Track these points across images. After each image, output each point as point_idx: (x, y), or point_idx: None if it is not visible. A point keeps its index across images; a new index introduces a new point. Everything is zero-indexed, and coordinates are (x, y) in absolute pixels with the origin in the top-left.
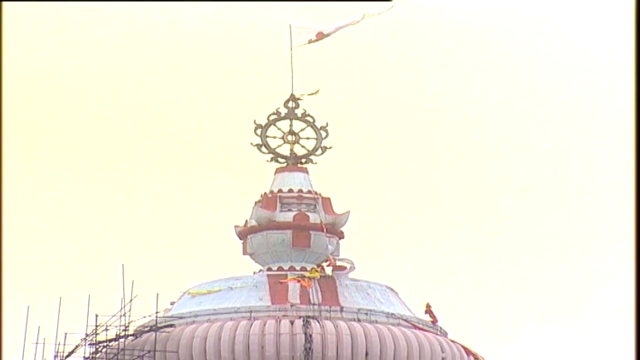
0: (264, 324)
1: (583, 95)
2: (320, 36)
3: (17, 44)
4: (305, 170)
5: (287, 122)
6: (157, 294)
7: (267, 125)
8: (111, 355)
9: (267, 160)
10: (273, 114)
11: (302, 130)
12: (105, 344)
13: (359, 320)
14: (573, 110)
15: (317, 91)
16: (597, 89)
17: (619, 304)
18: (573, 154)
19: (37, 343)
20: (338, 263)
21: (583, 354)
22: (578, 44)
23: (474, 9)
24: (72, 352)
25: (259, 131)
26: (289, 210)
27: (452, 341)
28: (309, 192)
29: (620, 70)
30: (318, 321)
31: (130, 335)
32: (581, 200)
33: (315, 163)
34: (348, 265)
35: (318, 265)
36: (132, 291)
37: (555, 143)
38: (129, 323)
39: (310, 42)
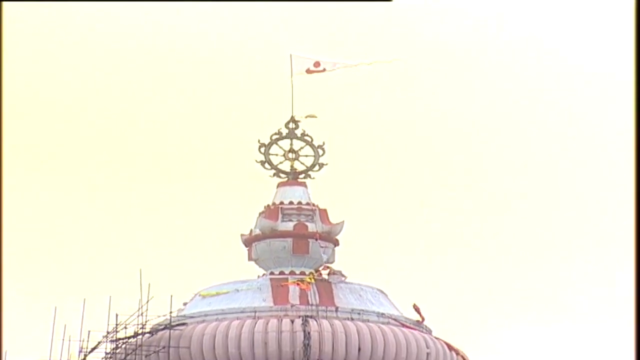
0: (267, 323)
1: (582, 92)
2: (318, 65)
3: (19, 45)
4: (304, 185)
5: (288, 141)
6: (171, 296)
7: (270, 144)
8: (129, 351)
9: (270, 176)
10: (275, 134)
11: (301, 148)
12: (124, 340)
13: (352, 320)
14: (570, 108)
15: (315, 115)
16: (597, 88)
17: (603, 302)
18: (559, 154)
19: (63, 340)
20: (331, 279)
21: (564, 352)
22: (576, 45)
23: (467, 27)
24: (95, 348)
25: (262, 149)
26: (290, 220)
27: (437, 338)
28: (308, 204)
29: (619, 73)
30: (316, 320)
31: (147, 332)
32: (566, 201)
33: (313, 178)
34: (339, 276)
35: (316, 271)
36: (148, 293)
37: (537, 147)
38: (145, 322)
39: (308, 71)
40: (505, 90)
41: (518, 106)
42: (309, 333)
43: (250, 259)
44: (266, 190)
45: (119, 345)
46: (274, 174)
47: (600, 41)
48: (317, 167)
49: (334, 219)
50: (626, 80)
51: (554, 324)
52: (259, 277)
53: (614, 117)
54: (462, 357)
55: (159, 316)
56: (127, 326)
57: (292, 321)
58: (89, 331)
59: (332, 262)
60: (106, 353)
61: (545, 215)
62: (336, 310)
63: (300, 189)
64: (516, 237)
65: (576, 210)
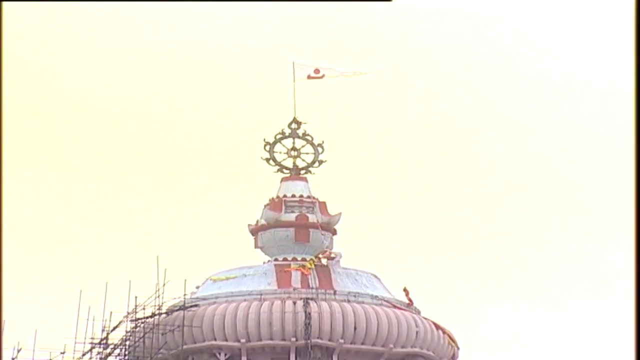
0: (272, 305)
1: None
2: (317, 72)
3: (22, 46)
4: (305, 180)
5: (290, 140)
6: (185, 280)
7: (274, 143)
8: (147, 330)
9: (274, 171)
10: (279, 133)
11: (302, 146)
12: (142, 320)
13: (349, 301)
14: (570, 106)
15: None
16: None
17: (584, 282)
18: (552, 144)
19: (87, 320)
20: (329, 264)
21: (543, 331)
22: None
23: (465, 29)
24: (116, 327)
25: (267, 148)
26: (292, 211)
27: (425, 318)
28: (308, 197)
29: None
30: (316, 302)
31: (163, 313)
32: (555, 184)
33: (313, 173)
34: (338, 256)
35: (316, 257)
36: (164, 277)
37: (529, 137)
38: (162, 303)
39: (309, 77)
40: (498, 85)
41: (512, 100)
42: (309, 314)
43: (256, 246)
44: (271, 184)
45: (138, 324)
46: (278, 170)
47: (598, 42)
48: (317, 164)
49: (332, 210)
50: (626, 80)
51: (536, 305)
52: (264, 263)
53: (612, 114)
54: (448, 335)
55: (174, 298)
56: (146, 307)
57: (294, 303)
58: (111, 312)
59: (330, 250)
60: (126, 332)
61: (531, 200)
62: (334, 293)
63: (301, 183)
64: (500, 225)
65: (564, 191)
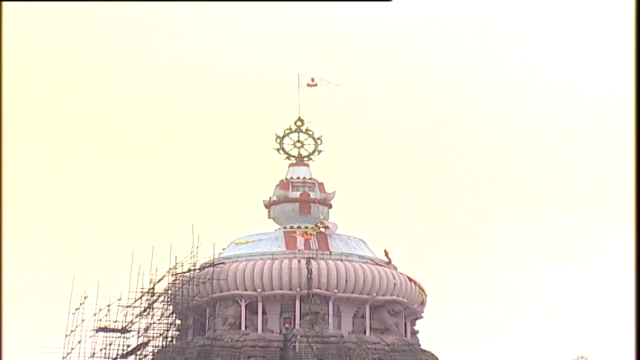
0: (281, 262)
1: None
2: (313, 81)
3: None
4: (307, 165)
5: (296, 134)
6: (214, 244)
7: (283, 137)
8: (185, 282)
9: (283, 159)
10: (287, 129)
11: (305, 139)
12: (181, 274)
13: (342, 260)
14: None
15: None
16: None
17: (537, 246)
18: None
19: (138, 274)
20: (326, 232)
21: (496, 287)
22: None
23: (460, 37)
24: (160, 280)
25: (277, 140)
26: (297, 190)
27: (401, 273)
28: (310, 179)
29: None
30: (315, 261)
31: (197, 269)
32: (517, 158)
33: (314, 160)
34: (333, 226)
35: (315, 226)
36: (198, 241)
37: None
38: (196, 262)
39: (308, 85)
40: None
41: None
42: (310, 270)
43: (269, 217)
44: (280, 169)
45: (177, 278)
46: (286, 158)
47: (595, 44)
48: (316, 153)
49: (328, 189)
50: (626, 78)
51: (491, 264)
52: (275, 230)
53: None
54: (419, 286)
55: (205, 258)
56: (183, 264)
57: (299, 261)
58: (157, 268)
59: (327, 220)
60: (168, 283)
61: (494, 174)
62: (330, 254)
63: (304, 168)
64: (459, 198)
65: (529, 163)
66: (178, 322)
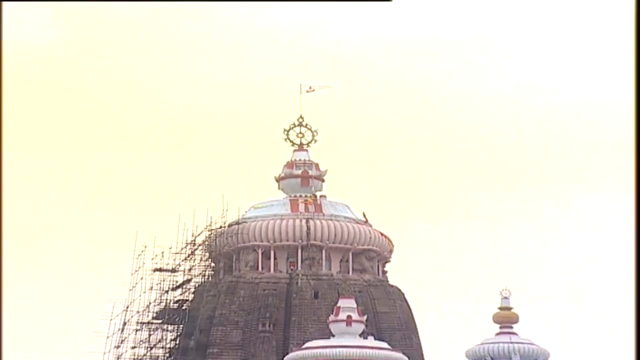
0: (287, 222)
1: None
2: (310, 88)
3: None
4: (307, 151)
5: (298, 128)
6: (238, 207)
7: (289, 129)
8: (218, 235)
9: (289, 146)
10: (292, 124)
11: (305, 132)
12: (214, 230)
13: (332, 220)
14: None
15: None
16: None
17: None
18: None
19: (184, 230)
20: (320, 200)
21: (455, 243)
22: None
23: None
24: (200, 234)
25: (285, 132)
26: (299, 169)
27: (375, 229)
28: (309, 161)
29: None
30: (312, 221)
31: (226, 226)
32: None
33: (311, 147)
34: (325, 197)
35: (312, 195)
36: (227, 206)
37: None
38: (225, 221)
39: (307, 91)
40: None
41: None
42: (309, 227)
43: (279, 188)
44: (287, 153)
45: (212, 233)
46: (291, 145)
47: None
48: (313, 142)
49: (322, 168)
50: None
51: (449, 222)
52: (283, 198)
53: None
54: (388, 239)
55: (232, 218)
56: (217, 222)
57: (300, 221)
58: (196, 225)
59: (321, 191)
60: (205, 236)
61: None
62: (323, 215)
63: (304, 153)
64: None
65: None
66: (212, 264)
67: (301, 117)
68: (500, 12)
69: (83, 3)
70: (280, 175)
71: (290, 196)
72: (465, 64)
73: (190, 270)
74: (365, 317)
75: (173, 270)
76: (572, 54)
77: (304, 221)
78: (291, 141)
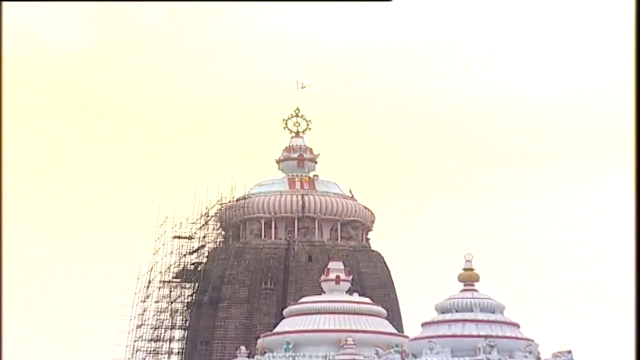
0: (286, 197)
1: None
2: (303, 85)
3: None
4: (302, 137)
5: (295, 118)
6: (245, 185)
7: (288, 119)
8: (227, 208)
9: (288, 133)
10: (290, 115)
11: (301, 121)
12: (225, 204)
13: (323, 196)
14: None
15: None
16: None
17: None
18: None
19: (199, 203)
20: (314, 179)
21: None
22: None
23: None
24: (212, 207)
25: (284, 122)
26: (296, 152)
27: (359, 203)
28: (304, 146)
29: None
30: (307, 196)
31: (235, 200)
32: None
33: (306, 134)
34: (318, 175)
35: (307, 174)
36: (235, 184)
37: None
38: (234, 196)
39: (302, 87)
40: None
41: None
42: (304, 202)
43: (279, 169)
44: (286, 140)
45: (222, 206)
46: (289, 133)
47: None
48: (308, 130)
49: (315, 152)
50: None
51: (426, 195)
52: (282, 177)
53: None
54: (370, 211)
55: (240, 193)
56: (226, 197)
57: (297, 196)
58: (209, 200)
59: (314, 171)
60: (217, 209)
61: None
62: (316, 192)
63: (300, 139)
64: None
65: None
66: (223, 233)
67: (297, 109)
68: (496, 13)
69: (104, 6)
70: (279, 158)
71: (288, 176)
72: (458, 60)
73: (204, 237)
74: (351, 277)
75: (190, 238)
76: (572, 54)
77: (300, 197)
78: (289, 129)
